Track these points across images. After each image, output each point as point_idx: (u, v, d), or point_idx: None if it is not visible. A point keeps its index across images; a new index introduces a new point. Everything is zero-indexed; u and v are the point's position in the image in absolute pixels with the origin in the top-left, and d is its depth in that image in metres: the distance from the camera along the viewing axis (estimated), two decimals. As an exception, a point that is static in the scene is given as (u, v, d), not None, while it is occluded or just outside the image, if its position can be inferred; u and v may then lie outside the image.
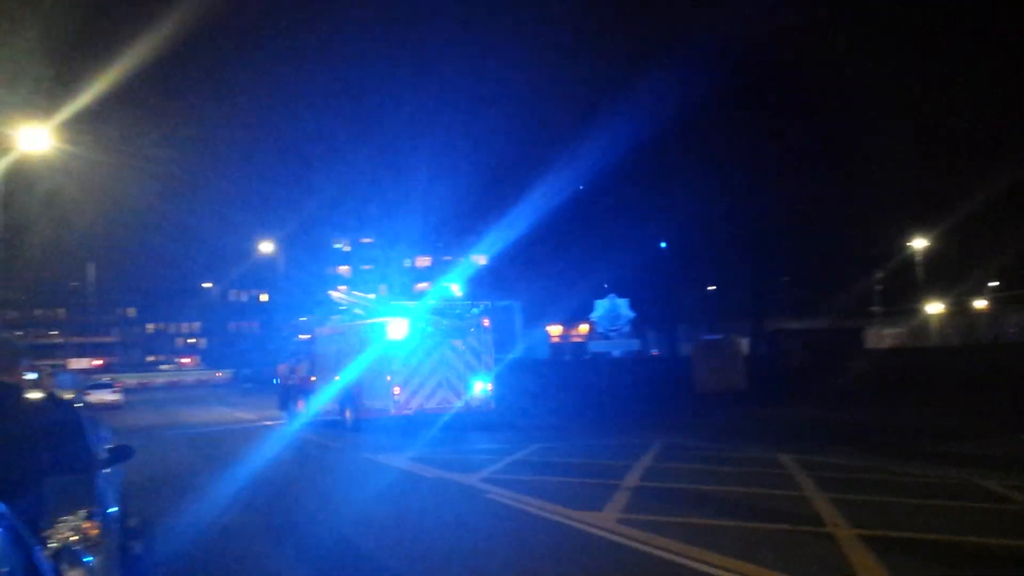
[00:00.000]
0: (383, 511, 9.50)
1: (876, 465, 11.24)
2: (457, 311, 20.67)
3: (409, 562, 7.06)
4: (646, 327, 40.42)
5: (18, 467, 3.93)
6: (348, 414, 20.09)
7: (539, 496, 9.33)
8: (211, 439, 20.33)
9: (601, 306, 27.87)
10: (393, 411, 18.38)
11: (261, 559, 7.44)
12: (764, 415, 20.45)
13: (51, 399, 6.54)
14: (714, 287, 39.55)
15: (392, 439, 16.75)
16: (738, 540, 7.04)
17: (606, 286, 31.36)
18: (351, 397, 19.97)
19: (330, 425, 20.41)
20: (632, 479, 10.47)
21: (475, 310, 20.68)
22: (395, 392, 18.31)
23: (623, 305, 27.75)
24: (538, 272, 45.82)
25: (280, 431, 21.29)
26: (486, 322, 20.05)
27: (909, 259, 43.35)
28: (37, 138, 22.61)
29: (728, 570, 6.10)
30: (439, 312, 20.36)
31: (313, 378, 22.35)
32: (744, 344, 32.55)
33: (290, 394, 24.32)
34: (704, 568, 6.18)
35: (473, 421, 19.03)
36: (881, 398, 21.43)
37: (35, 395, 5.47)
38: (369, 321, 20.35)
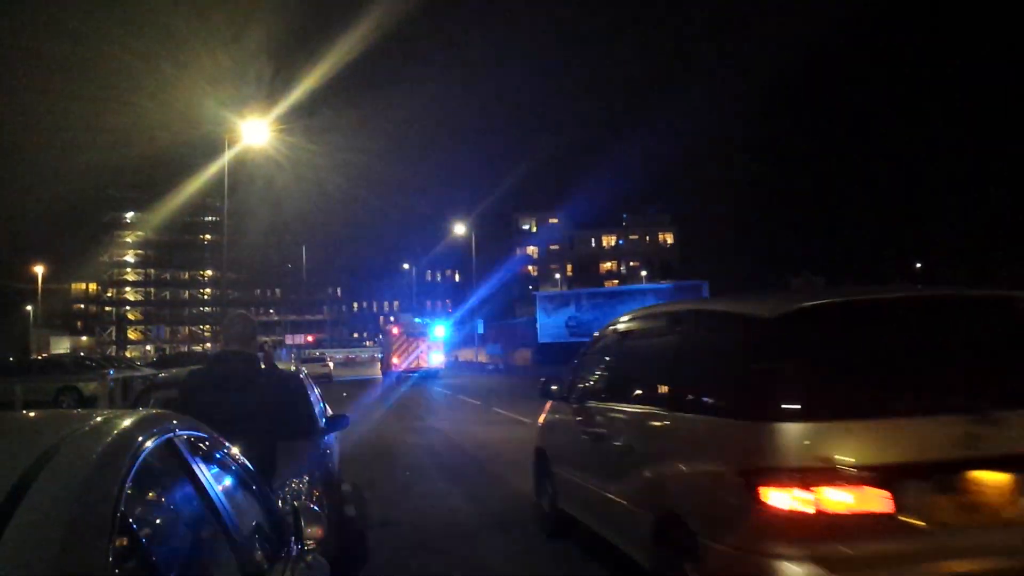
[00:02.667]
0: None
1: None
2: (426, 323, 41.27)
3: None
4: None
5: (257, 431, 4.33)
6: (384, 371, 39.63)
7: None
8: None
9: (795, 284, 26.80)
10: (393, 369, 37.83)
11: (462, 529, 7.80)
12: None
13: (277, 370, 7.16)
14: (922, 264, 36.82)
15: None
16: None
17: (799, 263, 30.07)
18: (386, 363, 39.70)
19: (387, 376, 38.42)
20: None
21: (434, 323, 41.85)
22: (393, 361, 38.03)
23: (819, 283, 26.53)
24: (728, 249, 44.51)
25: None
26: (440, 330, 40.97)
27: None
28: (258, 131, 24.51)
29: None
30: (418, 323, 40.91)
31: (388, 354, 39.75)
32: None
33: (382, 362, 42.41)
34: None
35: (431, 374, 37.73)
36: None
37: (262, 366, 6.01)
38: (390, 326, 42.42)
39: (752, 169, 38.48)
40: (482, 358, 60.83)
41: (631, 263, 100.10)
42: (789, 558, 3.48)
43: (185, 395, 4.68)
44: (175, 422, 2.22)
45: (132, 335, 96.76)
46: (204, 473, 2.18)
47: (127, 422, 1.92)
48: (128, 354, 79.17)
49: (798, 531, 3.51)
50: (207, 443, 2.46)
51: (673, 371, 4.96)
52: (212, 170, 33.66)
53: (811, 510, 3.48)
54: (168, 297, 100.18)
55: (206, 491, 2.11)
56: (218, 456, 2.53)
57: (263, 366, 5.02)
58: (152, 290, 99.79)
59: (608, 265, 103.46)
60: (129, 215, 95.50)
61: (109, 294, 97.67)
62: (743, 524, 3.69)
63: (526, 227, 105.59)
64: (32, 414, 2.42)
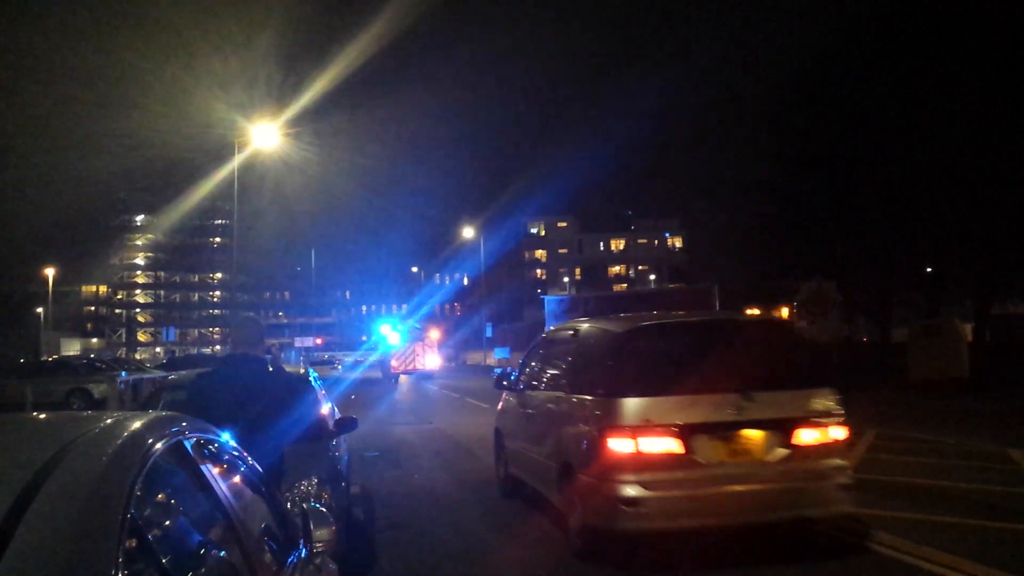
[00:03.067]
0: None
1: None
2: (419, 328, 43.70)
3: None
4: (855, 311, 38.16)
5: (265, 433, 4.33)
6: (384, 373, 41.26)
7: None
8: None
9: (806, 288, 26.66)
10: (392, 371, 40.15)
11: (470, 531, 7.76)
12: (990, 406, 18.80)
13: (285, 373, 7.16)
14: (931, 269, 36.58)
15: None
16: (967, 538, 6.57)
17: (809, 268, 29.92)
18: (386, 365, 41.62)
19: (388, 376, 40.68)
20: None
21: (428, 328, 45.56)
22: (392, 363, 40.52)
23: (830, 288, 26.38)
24: (738, 252, 44.30)
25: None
26: (434, 334, 44.65)
27: None
28: (267, 135, 24.59)
29: (956, 570, 5.72)
30: (412, 328, 43.27)
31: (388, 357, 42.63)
32: (967, 329, 30.06)
33: (383, 364, 43.90)
34: (930, 567, 5.82)
35: (426, 375, 40.89)
36: None
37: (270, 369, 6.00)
38: (385, 330, 44.46)
39: (763, 173, 38.33)
40: (491, 361, 60.78)
41: (639, 267, 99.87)
42: (622, 482, 5.68)
43: (194, 397, 4.69)
44: (185, 424, 2.22)
45: (142, 337, 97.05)
46: (213, 475, 2.18)
47: (137, 424, 1.92)
48: (138, 356, 79.36)
49: (628, 465, 5.73)
50: (216, 445, 2.46)
51: (570, 366, 7.40)
52: (222, 173, 33.74)
53: (635, 451, 5.71)
54: (178, 299, 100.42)
55: (215, 493, 2.11)
56: (227, 458, 2.53)
57: (271, 369, 5.03)
58: (162, 292, 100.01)
59: (616, 269, 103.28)
60: (139, 218, 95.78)
61: (119, 296, 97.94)
62: (598, 462, 5.90)
63: (535, 231, 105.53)
64: (43, 416, 2.43)
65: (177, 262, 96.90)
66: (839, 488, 6.02)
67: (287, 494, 4.87)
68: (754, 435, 5.86)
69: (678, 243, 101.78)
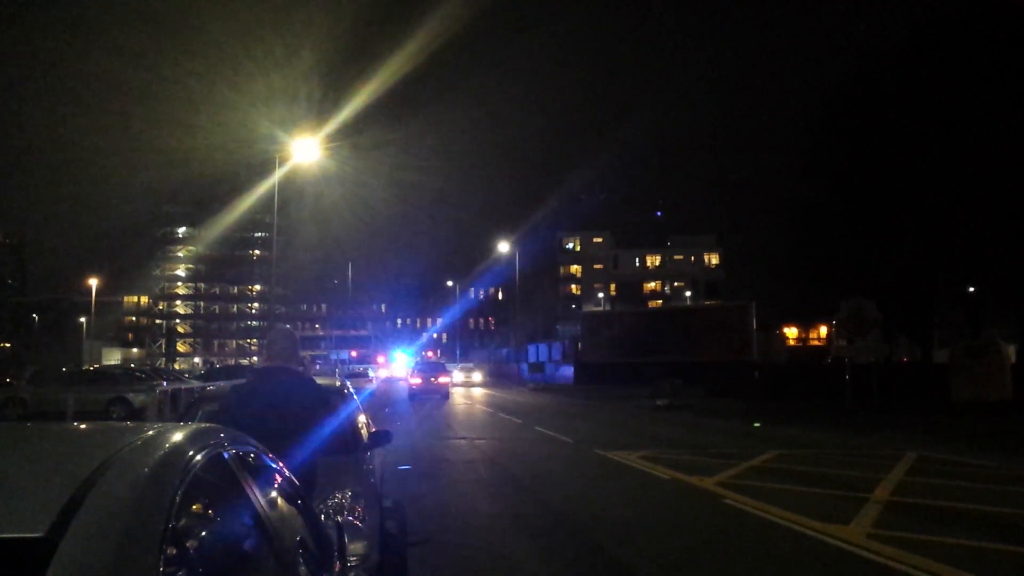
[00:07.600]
0: (620, 508, 9.53)
1: None
2: (399, 355, 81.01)
3: (648, 562, 7.07)
4: (896, 331, 37.53)
5: (300, 445, 4.35)
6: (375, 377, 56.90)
7: (779, 505, 8.98)
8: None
9: (846, 307, 26.26)
10: (380, 378, 58.37)
11: (503, 548, 7.76)
12: (1038, 431, 18.35)
13: (319, 386, 7.19)
14: (973, 289, 35.89)
15: (616, 437, 16.85)
16: (1008, 567, 6.41)
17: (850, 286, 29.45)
18: (377, 372, 63.75)
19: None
20: (883, 492, 9.81)
21: (396, 351, 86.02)
22: (379, 372, 66.93)
23: (871, 307, 25.96)
24: (775, 271, 43.83)
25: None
26: (401, 356, 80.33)
27: None
28: (307, 149, 24.89)
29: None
30: (395, 352, 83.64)
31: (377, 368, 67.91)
32: (1011, 351, 29.42)
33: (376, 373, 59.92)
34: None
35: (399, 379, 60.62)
36: None
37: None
38: (377, 354, 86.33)
39: (803, 190, 38.01)
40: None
41: (675, 283, 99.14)
42: (412, 384, 38.08)
43: (229, 409, 4.71)
44: (224, 436, 2.25)
45: (181, 348, 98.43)
46: (252, 488, 2.20)
47: (178, 436, 1.95)
48: (177, 366, 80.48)
49: (416, 381, 37.82)
50: (255, 458, 2.49)
51: (413, 367, 46.15)
52: (263, 187, 34.23)
53: (417, 380, 37.79)
54: (217, 311, 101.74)
55: (253, 506, 2.14)
56: (265, 471, 2.56)
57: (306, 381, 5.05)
58: (202, 304, 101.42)
59: (652, 285, 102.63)
60: (182, 230, 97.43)
61: (160, 307, 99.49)
62: (411, 381, 38.93)
63: (570, 246, 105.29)
64: (86, 426, 2.47)
65: (217, 274, 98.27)
66: (448, 388, 37.54)
67: (320, 507, 4.89)
68: (431, 378, 36.63)
69: (714, 260, 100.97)
